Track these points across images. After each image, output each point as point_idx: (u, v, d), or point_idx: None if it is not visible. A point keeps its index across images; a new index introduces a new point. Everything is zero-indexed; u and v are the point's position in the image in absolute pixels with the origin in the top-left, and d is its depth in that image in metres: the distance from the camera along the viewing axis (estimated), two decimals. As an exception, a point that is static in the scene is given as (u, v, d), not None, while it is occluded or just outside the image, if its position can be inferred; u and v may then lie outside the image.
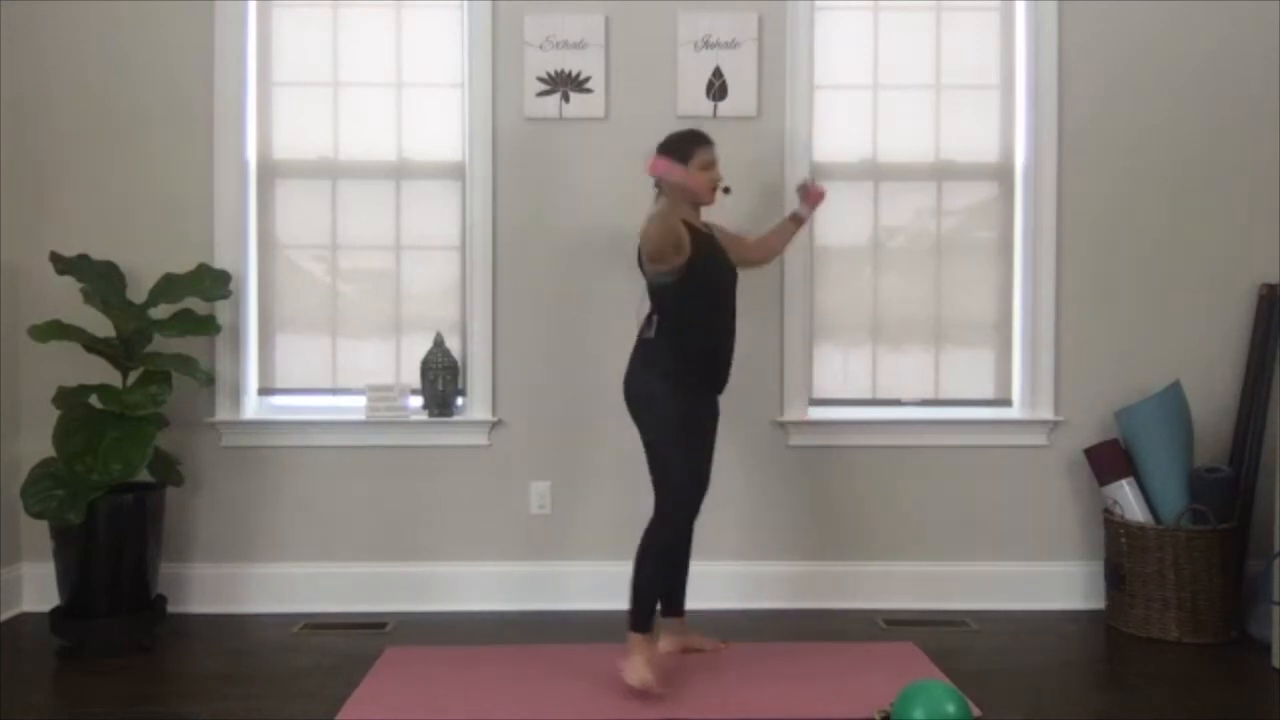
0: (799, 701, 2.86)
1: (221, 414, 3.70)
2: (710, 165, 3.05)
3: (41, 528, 3.45)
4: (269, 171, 3.78)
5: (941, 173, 3.82)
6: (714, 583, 3.70)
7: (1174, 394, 3.54)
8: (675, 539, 3.01)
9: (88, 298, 3.33)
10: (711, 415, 3.08)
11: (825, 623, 3.55)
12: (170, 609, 3.55)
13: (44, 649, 3.30)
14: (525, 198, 3.74)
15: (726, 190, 3.09)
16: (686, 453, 2.95)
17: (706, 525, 3.70)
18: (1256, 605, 3.39)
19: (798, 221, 3.40)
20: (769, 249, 3.38)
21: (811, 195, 3.41)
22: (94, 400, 3.25)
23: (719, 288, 3.01)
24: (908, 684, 2.61)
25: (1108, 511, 3.59)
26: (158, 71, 3.69)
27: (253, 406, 3.77)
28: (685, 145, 3.05)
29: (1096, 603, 3.72)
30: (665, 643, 3.13)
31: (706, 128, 3.68)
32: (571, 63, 3.70)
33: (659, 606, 3.03)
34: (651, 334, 2.97)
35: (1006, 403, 3.84)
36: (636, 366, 3.01)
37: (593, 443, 3.70)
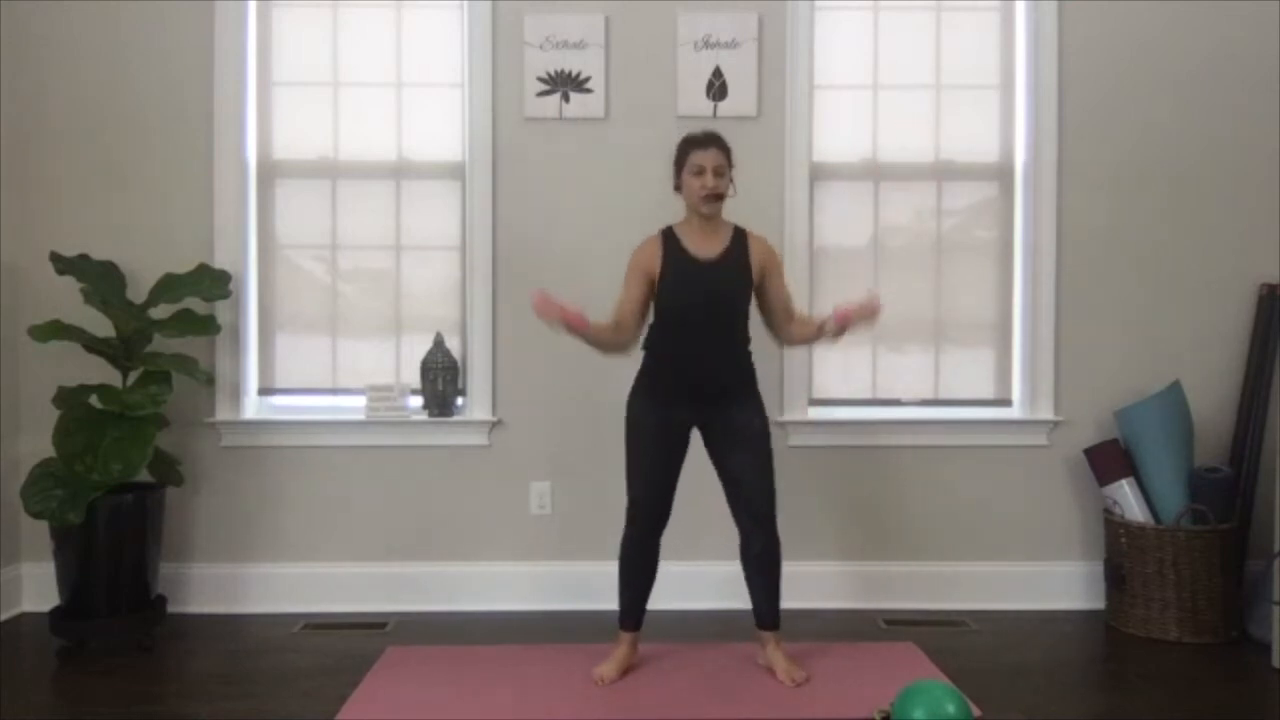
0: (799, 701, 2.86)
1: (221, 414, 3.70)
2: (700, 171, 2.93)
3: (41, 528, 3.45)
4: (269, 171, 3.78)
5: (941, 173, 3.82)
6: (714, 583, 3.71)
7: (1174, 394, 3.55)
8: (628, 546, 3.03)
9: (88, 298, 3.33)
10: (679, 429, 3.01)
11: (825, 623, 3.55)
12: (170, 609, 3.55)
13: (44, 649, 3.30)
14: (525, 198, 3.74)
15: (716, 197, 2.93)
16: (638, 463, 3.01)
17: (705, 526, 3.71)
18: (1256, 605, 3.39)
19: (821, 330, 2.99)
20: (796, 337, 3.10)
21: (838, 318, 2.91)
22: (94, 400, 3.25)
23: (687, 307, 2.95)
24: (908, 684, 2.61)
25: (1108, 511, 3.59)
26: (158, 71, 3.69)
27: (253, 406, 3.77)
28: (682, 149, 3.02)
29: (1096, 603, 3.72)
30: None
31: (706, 128, 3.70)
32: (571, 63, 3.70)
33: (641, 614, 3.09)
34: (642, 343, 3.05)
35: (1006, 403, 3.84)
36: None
37: (593, 443, 3.70)
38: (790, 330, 3.09)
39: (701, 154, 2.95)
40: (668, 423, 3.00)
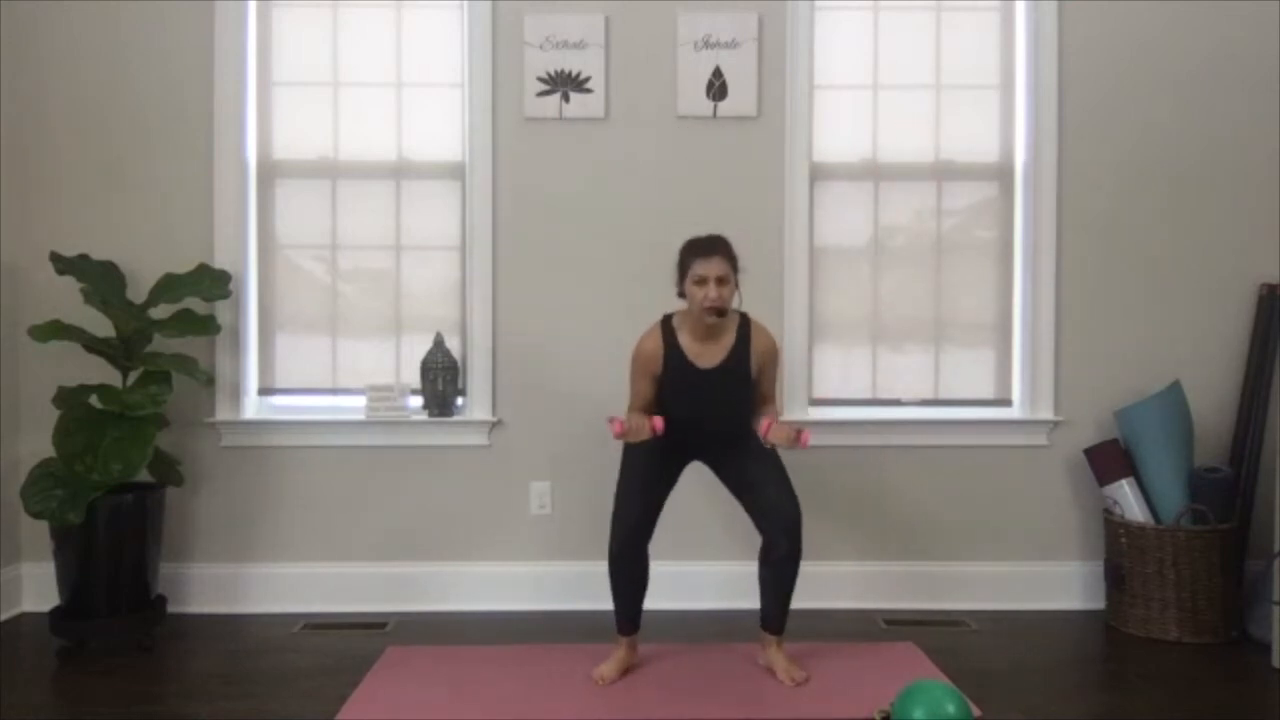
0: (799, 701, 2.86)
1: (221, 414, 3.70)
2: (703, 281, 2.85)
3: (41, 528, 3.45)
4: (269, 171, 3.78)
5: (941, 173, 3.82)
6: (714, 583, 3.71)
7: (1174, 394, 3.55)
8: (617, 558, 3.02)
9: (88, 298, 3.33)
10: (678, 460, 3.06)
11: (825, 623, 3.55)
12: (170, 609, 3.55)
13: (44, 649, 3.30)
14: (525, 198, 3.74)
15: (719, 312, 2.87)
16: (631, 484, 3.03)
17: (705, 526, 3.71)
18: (1256, 605, 3.39)
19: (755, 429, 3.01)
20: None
21: (762, 430, 2.93)
22: (94, 400, 3.25)
23: (687, 412, 2.95)
24: (908, 684, 2.61)
25: (1108, 511, 3.59)
26: (158, 71, 3.69)
27: (253, 406, 3.77)
28: (685, 256, 2.94)
29: (1096, 603, 3.72)
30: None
31: (706, 128, 3.72)
32: (571, 63, 3.70)
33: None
34: None
35: (1006, 403, 3.84)
36: None
37: (593, 443, 3.69)
38: (759, 417, 3.05)
39: (704, 264, 2.87)
40: (668, 453, 3.03)
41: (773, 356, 3.06)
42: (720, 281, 2.86)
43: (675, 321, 3.00)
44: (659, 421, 2.82)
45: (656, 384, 2.98)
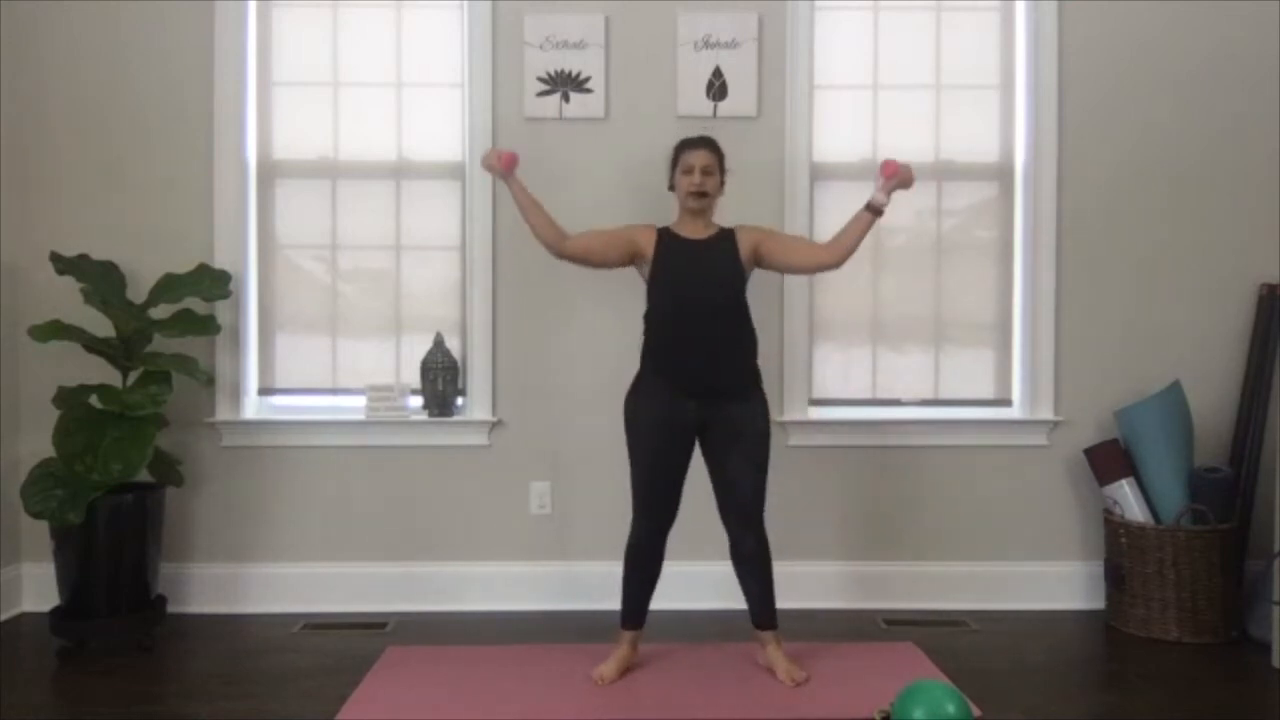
0: (799, 701, 2.86)
1: (221, 414, 3.70)
2: (689, 170, 3.04)
3: (41, 528, 3.45)
4: (269, 171, 3.78)
5: (941, 173, 3.82)
6: (713, 583, 3.70)
7: (1174, 394, 3.55)
8: (633, 545, 3.05)
9: (88, 298, 3.33)
10: (681, 424, 2.98)
11: (825, 623, 3.55)
12: (170, 609, 3.55)
13: (44, 649, 3.30)
14: (525, 198, 3.74)
15: (703, 195, 3.04)
16: (639, 460, 3.02)
17: (706, 526, 3.70)
18: (1256, 605, 3.39)
19: (874, 211, 2.98)
20: (840, 248, 3.03)
21: (886, 170, 2.94)
22: (94, 400, 3.25)
23: (684, 298, 2.98)
24: (908, 684, 2.61)
25: (1108, 511, 3.59)
26: (158, 72, 3.69)
27: (253, 406, 3.77)
28: (675, 150, 3.13)
29: (1096, 603, 3.72)
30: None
31: (706, 128, 3.70)
32: (571, 63, 3.70)
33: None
34: (641, 351, 3.09)
35: (1006, 403, 3.84)
36: None
37: (593, 443, 3.70)
38: (832, 250, 3.06)
39: (692, 154, 3.06)
40: (667, 417, 2.99)
41: (763, 231, 3.15)
42: (705, 170, 3.04)
43: (668, 226, 3.13)
44: (508, 158, 3.08)
45: (624, 256, 3.07)
